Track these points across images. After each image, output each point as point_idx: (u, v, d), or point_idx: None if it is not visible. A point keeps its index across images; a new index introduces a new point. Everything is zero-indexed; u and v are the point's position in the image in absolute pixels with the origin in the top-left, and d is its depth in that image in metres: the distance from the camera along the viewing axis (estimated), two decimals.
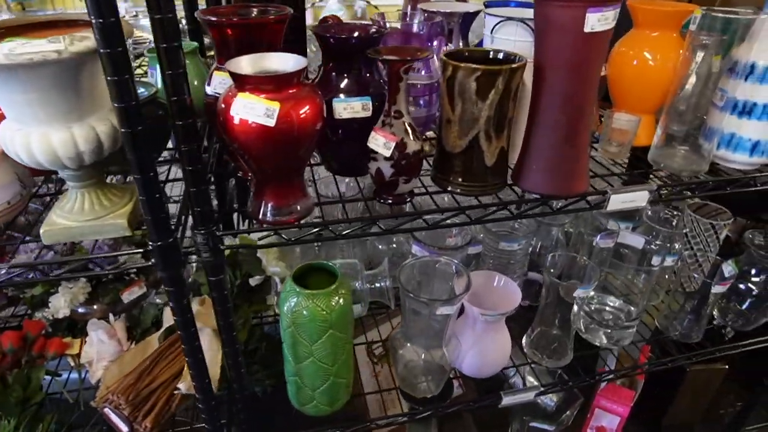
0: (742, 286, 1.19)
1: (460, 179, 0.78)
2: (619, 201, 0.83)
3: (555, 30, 0.70)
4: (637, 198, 0.84)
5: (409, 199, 0.79)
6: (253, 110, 0.61)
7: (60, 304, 1.03)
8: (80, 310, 1.13)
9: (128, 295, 1.12)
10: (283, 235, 0.75)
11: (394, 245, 1.22)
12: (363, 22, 0.87)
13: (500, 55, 0.76)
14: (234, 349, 0.83)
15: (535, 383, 1.12)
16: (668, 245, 1.23)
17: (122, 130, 0.59)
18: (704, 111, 0.90)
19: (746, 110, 0.91)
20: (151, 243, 0.67)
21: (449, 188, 0.79)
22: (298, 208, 0.73)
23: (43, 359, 1.05)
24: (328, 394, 0.92)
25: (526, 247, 1.11)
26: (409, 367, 0.97)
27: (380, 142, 0.72)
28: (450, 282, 0.98)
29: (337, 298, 0.84)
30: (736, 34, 0.85)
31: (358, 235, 0.76)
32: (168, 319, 1.09)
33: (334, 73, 0.77)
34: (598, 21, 0.68)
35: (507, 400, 1.03)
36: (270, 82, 0.62)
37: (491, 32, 0.81)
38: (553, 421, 1.26)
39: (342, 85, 0.76)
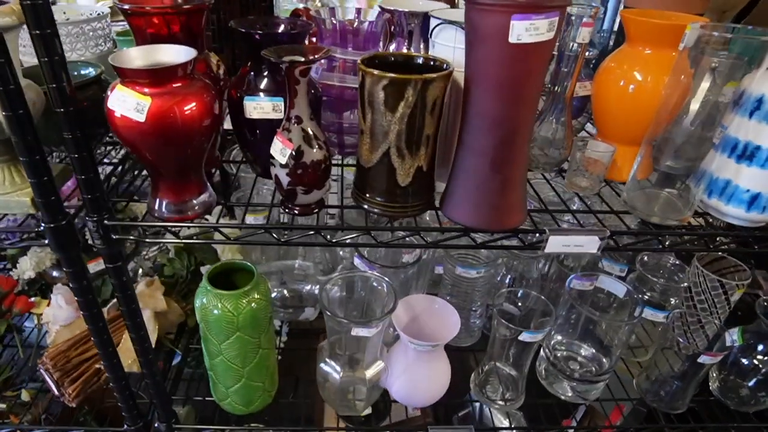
0: (745, 361, 1.02)
1: (376, 197, 0.72)
2: (559, 243, 0.72)
3: (479, 39, 0.61)
4: (585, 243, 0.73)
5: (316, 210, 0.73)
6: (124, 103, 0.59)
7: (26, 266, 1.09)
8: (54, 273, 1.19)
9: (94, 266, 1.15)
10: (177, 234, 0.73)
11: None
12: (301, 19, 0.82)
13: (430, 63, 0.69)
14: (140, 335, 0.83)
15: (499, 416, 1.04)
16: (663, 298, 1.08)
17: (3, 113, 0.59)
18: (705, 150, 0.77)
19: (747, 154, 0.76)
20: (42, 223, 0.68)
21: (364, 206, 0.73)
22: (196, 205, 0.71)
23: (9, 314, 1.11)
24: (240, 394, 0.91)
25: (489, 276, 1.02)
26: (331, 382, 0.92)
27: (277, 148, 0.67)
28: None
29: (246, 301, 0.81)
30: (754, 57, 0.71)
31: (304, 243, 0.73)
32: None
33: (252, 72, 0.73)
34: (526, 30, 0.58)
35: None
36: (145, 75, 0.59)
37: (430, 36, 0.73)
38: None
39: (258, 84, 0.72)
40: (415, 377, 0.92)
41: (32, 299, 1.14)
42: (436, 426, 0.96)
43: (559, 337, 1.06)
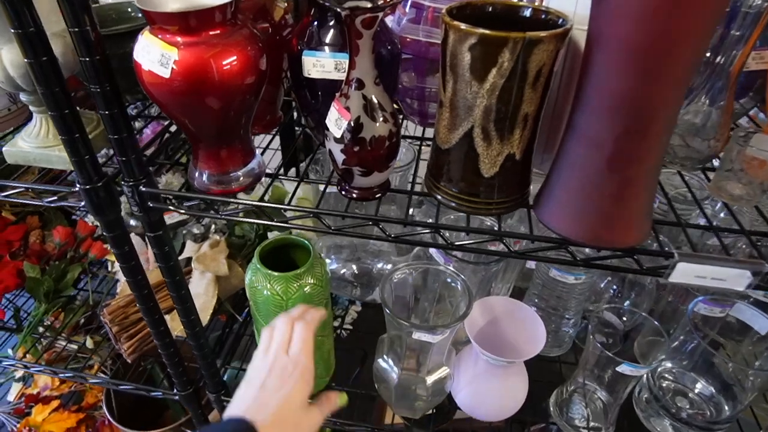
0: None
1: (452, 188, 0.57)
2: (691, 273, 0.54)
3: None
4: (730, 277, 0.54)
5: (378, 195, 0.60)
6: (149, 55, 0.49)
7: None
8: (131, 222, 1.17)
9: (169, 218, 1.12)
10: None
11: None
12: None
13: (540, 17, 0.51)
14: (185, 308, 0.77)
15: None
16: None
17: (25, 60, 0.52)
18: None
19: None
20: (78, 184, 0.61)
21: (437, 196, 0.59)
22: (240, 177, 0.61)
23: (85, 258, 1.12)
24: None
25: (590, 283, 0.84)
26: (388, 381, 0.82)
27: (333, 118, 0.54)
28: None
29: (298, 285, 0.72)
30: None
31: (358, 235, 0.61)
32: (188, 250, 1.07)
33: (316, 21, 0.60)
34: None
35: None
36: (173, 20, 0.48)
37: None
38: None
39: (322, 37, 0.59)
40: (485, 391, 0.79)
41: (107, 246, 1.13)
42: None
43: (669, 365, 0.87)
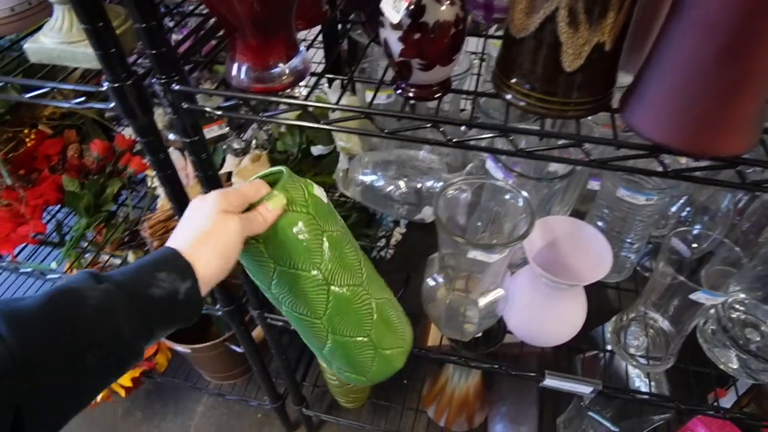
0: None
1: (525, 84, 0.49)
2: None
3: None
4: None
5: (438, 95, 0.53)
6: None
7: None
8: (170, 136, 1.14)
9: (207, 132, 1.08)
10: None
11: None
12: None
13: None
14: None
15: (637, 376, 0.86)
16: None
17: None
18: None
19: None
20: (106, 82, 0.56)
21: (507, 96, 0.51)
22: (284, 72, 0.55)
23: (124, 173, 1.10)
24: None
25: (661, 205, 0.76)
26: (437, 302, 0.78)
27: (389, 0, 0.47)
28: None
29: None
30: None
31: (413, 139, 0.54)
32: (228, 165, 1.04)
33: None
34: None
35: (550, 382, 0.79)
36: None
37: None
38: (619, 421, 0.97)
39: None
40: (541, 315, 0.75)
41: (146, 160, 1.11)
42: (556, 373, 0.79)
43: (741, 295, 0.80)
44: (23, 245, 1.04)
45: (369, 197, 0.96)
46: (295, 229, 0.51)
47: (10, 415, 0.34)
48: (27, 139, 1.07)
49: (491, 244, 0.66)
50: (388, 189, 0.94)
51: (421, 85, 0.52)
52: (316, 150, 0.99)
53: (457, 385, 1.11)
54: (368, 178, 0.94)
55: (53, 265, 1.02)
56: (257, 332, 1.05)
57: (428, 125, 0.52)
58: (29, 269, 1.00)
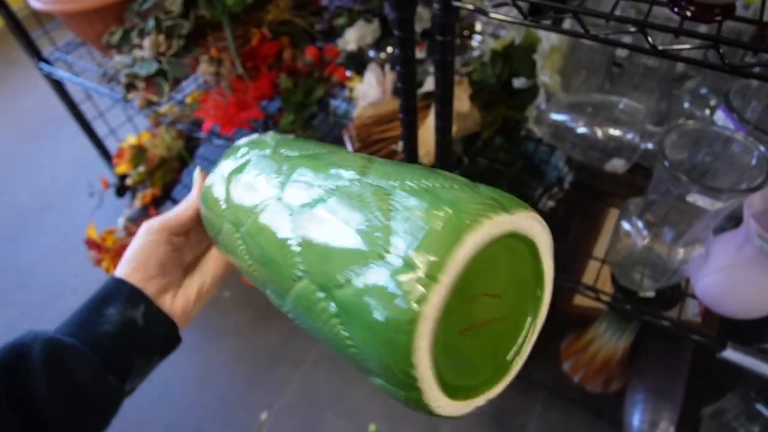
0: None
1: None
2: None
3: None
4: None
5: (719, 18, 0.52)
6: None
7: (350, 37, 1.12)
8: (371, 53, 1.21)
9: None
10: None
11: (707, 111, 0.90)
12: None
13: None
14: (446, 125, 0.77)
15: None
16: None
17: None
18: None
19: None
20: None
21: None
22: None
23: (329, 81, 1.19)
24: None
25: None
26: (626, 246, 0.78)
27: None
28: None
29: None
30: None
31: (691, 60, 0.54)
32: (428, 85, 1.08)
33: None
34: None
35: (731, 354, 0.76)
36: None
37: None
38: None
39: None
40: (743, 280, 0.72)
41: (348, 73, 1.19)
42: (740, 345, 0.76)
43: None
44: (238, 128, 1.18)
45: (559, 137, 0.96)
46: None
47: None
48: (252, 39, 1.20)
49: (720, 188, 0.64)
50: (581, 132, 0.93)
51: (702, 4, 0.51)
52: (519, 82, 1.00)
53: (606, 344, 1.10)
54: (561, 118, 0.94)
55: None
56: None
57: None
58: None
